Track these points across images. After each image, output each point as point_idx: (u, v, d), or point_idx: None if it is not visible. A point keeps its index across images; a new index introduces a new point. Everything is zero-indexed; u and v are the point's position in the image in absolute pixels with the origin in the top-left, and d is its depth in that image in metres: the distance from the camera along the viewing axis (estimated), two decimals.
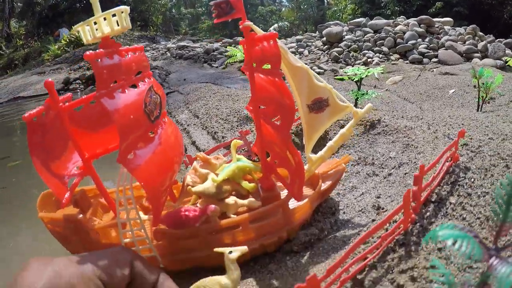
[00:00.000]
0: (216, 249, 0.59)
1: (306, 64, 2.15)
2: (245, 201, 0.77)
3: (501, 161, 0.87)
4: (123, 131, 0.59)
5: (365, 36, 3.51)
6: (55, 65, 5.55)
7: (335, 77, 2.21)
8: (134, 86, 0.71)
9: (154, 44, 6.30)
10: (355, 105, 1.79)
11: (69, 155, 0.76)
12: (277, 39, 0.64)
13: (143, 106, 0.68)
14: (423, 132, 1.14)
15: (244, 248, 0.59)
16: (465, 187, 0.81)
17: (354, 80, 1.77)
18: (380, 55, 3.31)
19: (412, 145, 1.11)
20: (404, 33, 3.48)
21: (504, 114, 1.42)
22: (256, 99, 0.73)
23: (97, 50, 0.60)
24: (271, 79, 0.68)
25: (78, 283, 0.45)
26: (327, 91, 0.77)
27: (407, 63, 3.22)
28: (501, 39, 3.44)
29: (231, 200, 0.76)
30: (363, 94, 1.72)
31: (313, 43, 3.76)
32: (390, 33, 3.46)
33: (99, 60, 0.59)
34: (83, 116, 0.77)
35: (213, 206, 0.71)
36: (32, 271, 0.44)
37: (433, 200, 0.79)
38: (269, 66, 0.66)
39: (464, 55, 3.22)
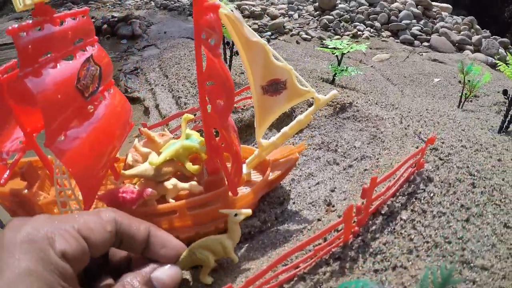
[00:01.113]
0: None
1: (293, 28, 1.99)
2: (186, 185, 0.71)
3: (469, 176, 0.76)
4: (47, 115, 0.53)
5: (359, 8, 3.32)
6: None
7: (319, 46, 2.05)
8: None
9: None
10: (332, 81, 1.65)
11: (8, 132, 0.69)
12: (226, 10, 0.56)
13: (75, 81, 0.60)
14: (393, 126, 1.01)
15: (249, 211, 0.60)
16: (422, 201, 0.70)
17: (335, 54, 1.62)
18: (371, 30, 3.15)
19: (380, 138, 1.00)
20: (400, 11, 3.31)
21: (484, 118, 1.31)
22: (205, 74, 0.62)
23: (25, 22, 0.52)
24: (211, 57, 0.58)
25: (56, 235, 0.44)
26: (286, 72, 0.68)
27: (397, 42, 3.07)
28: (496, 37, 3.30)
29: (171, 183, 0.70)
30: (342, 70, 1.58)
31: (305, 7, 3.54)
32: (385, 8, 3.28)
33: (25, 33, 0.51)
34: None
35: (149, 190, 0.66)
36: (12, 227, 0.43)
37: (383, 212, 0.68)
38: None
39: (456, 44, 3.09)
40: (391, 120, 1.05)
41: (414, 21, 3.26)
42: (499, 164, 0.85)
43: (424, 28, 3.20)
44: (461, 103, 1.57)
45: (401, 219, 0.67)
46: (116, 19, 3.54)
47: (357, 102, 1.19)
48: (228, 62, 1.58)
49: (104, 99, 0.71)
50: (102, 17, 3.65)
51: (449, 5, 3.75)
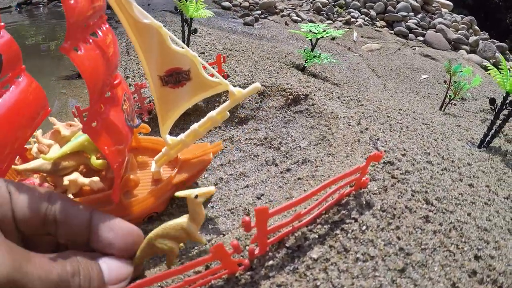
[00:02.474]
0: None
1: (285, 9, 1.75)
2: (86, 181, 0.59)
3: (424, 206, 0.55)
4: None
5: None
6: None
7: (289, 30, 1.80)
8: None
9: None
10: (303, 70, 1.41)
11: None
12: None
13: None
14: (347, 127, 0.79)
15: (211, 189, 0.46)
16: (348, 235, 0.49)
17: (309, 38, 1.39)
18: (366, 18, 2.90)
19: (328, 140, 0.78)
20: (398, 2, 3.05)
21: (466, 125, 1.09)
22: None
23: None
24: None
25: None
26: (189, 61, 0.54)
27: (391, 33, 2.83)
28: (494, 40, 3.06)
29: (71, 178, 0.59)
30: (314, 57, 1.34)
31: None
32: None
33: None
34: None
35: (46, 184, 0.60)
36: None
37: (287, 245, 0.46)
38: None
39: (452, 43, 2.85)
40: (347, 120, 0.83)
41: (411, 13, 3.01)
42: (469, 191, 0.64)
43: (421, 22, 2.95)
44: (444, 106, 1.35)
45: (310, 257, 0.46)
46: None
47: (314, 95, 0.97)
48: (186, 41, 1.34)
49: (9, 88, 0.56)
50: None
51: (450, 2, 3.49)
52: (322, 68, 1.67)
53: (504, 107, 0.89)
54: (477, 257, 0.49)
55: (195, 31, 1.30)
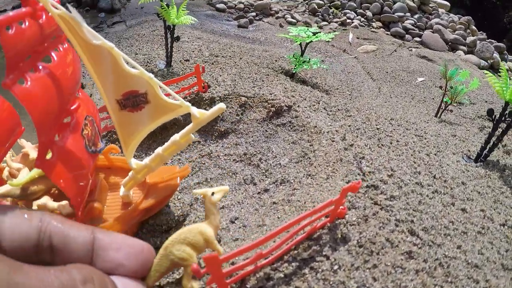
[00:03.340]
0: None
1: (280, 10, 1.68)
2: (55, 205, 0.54)
3: (409, 238, 0.48)
4: None
5: None
6: None
7: (278, 34, 1.73)
8: None
9: None
10: (292, 76, 1.33)
11: None
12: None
13: None
14: (331, 143, 0.72)
15: (226, 188, 0.44)
16: (317, 276, 0.43)
17: (297, 43, 1.31)
18: (362, 19, 2.82)
19: (309, 158, 0.70)
20: (395, 2, 2.97)
21: (462, 135, 1.01)
22: None
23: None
24: None
25: None
26: (145, 83, 0.49)
27: (387, 34, 2.75)
28: (492, 40, 2.98)
29: (40, 202, 0.55)
30: (304, 62, 1.27)
31: None
32: None
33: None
34: None
35: None
36: None
37: (248, 286, 0.39)
38: None
39: (450, 43, 2.77)
40: (331, 135, 0.75)
41: (408, 14, 2.93)
42: (461, 218, 0.56)
43: (418, 23, 2.87)
44: (440, 112, 1.27)
45: None
46: None
47: (298, 106, 0.89)
48: (169, 48, 1.27)
49: None
50: None
51: (447, 2, 3.40)
52: (314, 72, 1.59)
53: (503, 118, 0.82)
54: None
55: (178, 38, 1.23)
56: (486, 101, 1.59)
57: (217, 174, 0.78)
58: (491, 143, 0.83)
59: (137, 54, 1.50)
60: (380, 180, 0.59)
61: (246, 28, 2.62)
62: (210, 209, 0.43)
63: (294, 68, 1.28)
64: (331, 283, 0.41)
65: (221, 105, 0.48)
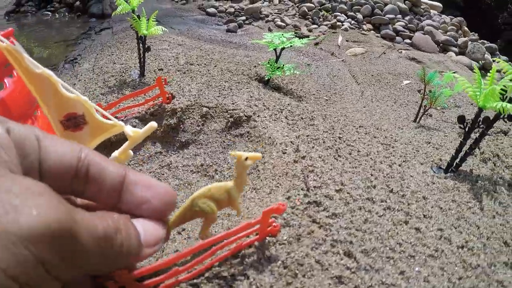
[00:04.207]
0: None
1: (270, 14, 1.64)
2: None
3: (343, 261, 0.44)
4: None
5: None
6: None
7: (252, 41, 1.67)
8: None
9: None
10: (266, 83, 1.28)
11: None
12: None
13: None
14: (281, 155, 0.67)
15: (259, 156, 0.45)
16: None
17: (271, 49, 1.25)
18: (352, 22, 2.76)
19: (258, 171, 0.65)
20: (386, 4, 2.90)
21: (439, 141, 0.94)
22: None
23: None
24: None
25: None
26: (82, 106, 0.54)
27: (377, 36, 2.69)
28: (484, 41, 2.91)
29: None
30: (277, 68, 1.21)
31: None
32: (370, 0, 2.88)
33: None
34: None
35: None
36: None
37: None
38: None
39: (441, 45, 2.70)
40: (283, 147, 0.69)
41: (399, 16, 2.86)
42: (412, 238, 0.50)
43: (409, 25, 2.80)
44: (418, 117, 1.21)
45: None
46: None
47: (258, 116, 0.83)
48: (142, 59, 1.22)
49: None
50: None
51: (439, 4, 3.33)
52: (294, 77, 1.54)
53: (476, 126, 0.76)
54: None
55: (148, 49, 1.18)
56: (471, 104, 1.52)
57: (174, 185, 0.74)
58: (463, 152, 0.77)
59: (115, 63, 1.45)
60: (325, 196, 0.53)
61: (235, 32, 2.57)
62: (241, 172, 0.44)
63: (267, 75, 1.23)
64: None
65: (152, 124, 0.49)
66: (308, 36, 2.51)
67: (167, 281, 0.39)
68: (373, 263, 0.44)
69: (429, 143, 0.94)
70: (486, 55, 2.74)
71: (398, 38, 2.68)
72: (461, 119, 0.77)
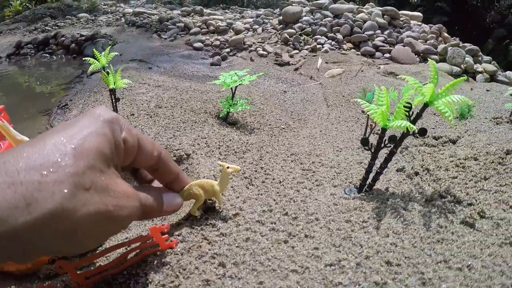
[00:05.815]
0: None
1: (253, 44, 1.79)
2: None
3: (215, 270, 0.54)
4: None
5: (323, 20, 3.04)
6: (13, 24, 4.91)
7: (210, 82, 1.80)
8: None
9: (116, 7, 5.39)
10: (225, 119, 1.41)
11: None
12: None
13: None
14: None
15: (238, 168, 0.66)
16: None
17: (223, 88, 1.38)
18: (333, 43, 2.87)
19: None
20: (365, 22, 3.02)
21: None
22: None
23: None
24: None
25: (125, 129, 0.49)
26: None
27: (357, 54, 2.79)
28: (466, 44, 2.98)
29: None
30: (230, 106, 1.34)
31: (270, 20, 3.29)
32: (349, 20, 3.00)
33: None
34: None
35: None
36: (101, 108, 0.48)
37: None
38: None
39: (421, 54, 2.79)
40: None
41: (378, 31, 2.97)
42: (284, 255, 0.60)
43: (388, 39, 2.90)
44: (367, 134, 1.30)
45: None
46: (83, 38, 3.40)
47: (196, 153, 0.96)
48: (114, 108, 1.37)
49: None
50: (71, 35, 3.51)
51: (419, 14, 3.43)
52: (260, 109, 1.65)
53: (382, 146, 0.83)
54: None
55: (118, 100, 1.33)
56: (434, 113, 1.57)
57: None
58: (375, 172, 0.85)
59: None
60: (221, 219, 0.66)
61: (219, 65, 2.72)
62: (223, 176, 0.65)
63: (221, 113, 1.37)
64: None
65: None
66: (288, 63, 2.64)
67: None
68: (238, 273, 0.54)
69: (361, 163, 1.02)
70: (467, 58, 2.80)
71: (377, 54, 2.78)
72: (364, 142, 0.83)
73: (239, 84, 1.33)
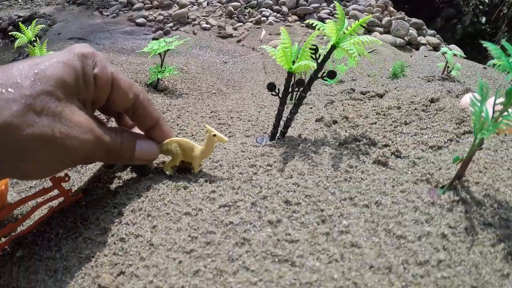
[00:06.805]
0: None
1: (197, 17, 1.69)
2: None
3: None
4: None
5: None
6: None
7: (138, 51, 1.73)
8: None
9: None
10: (155, 87, 1.34)
11: None
12: None
13: None
14: None
15: (225, 139, 0.59)
16: None
17: (150, 56, 1.31)
18: (278, 15, 2.82)
19: None
20: None
21: (297, 115, 0.99)
22: None
23: None
24: None
25: (99, 65, 0.48)
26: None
27: (302, 26, 2.76)
28: (411, 18, 3.01)
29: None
30: (159, 72, 1.28)
31: None
32: None
33: None
34: None
35: None
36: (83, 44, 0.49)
37: None
38: None
39: (366, 26, 2.78)
40: None
41: (324, 4, 2.95)
42: (180, 200, 0.55)
43: (334, 11, 2.89)
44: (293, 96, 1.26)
45: None
46: (21, 19, 3.19)
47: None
48: None
49: None
50: (8, 17, 3.29)
51: None
52: (193, 76, 1.59)
53: (290, 91, 0.78)
54: None
55: None
56: (368, 75, 1.57)
57: None
58: (285, 119, 0.81)
59: None
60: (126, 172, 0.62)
61: None
62: (207, 144, 0.59)
63: (149, 80, 1.30)
64: None
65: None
66: (231, 36, 2.58)
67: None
68: (134, 219, 0.51)
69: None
70: (411, 31, 2.83)
71: None
72: (270, 87, 0.77)
73: (167, 50, 1.26)
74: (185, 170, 0.64)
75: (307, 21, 0.82)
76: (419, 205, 0.54)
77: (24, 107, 0.38)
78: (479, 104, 0.49)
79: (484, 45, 0.47)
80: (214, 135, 0.58)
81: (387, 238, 0.48)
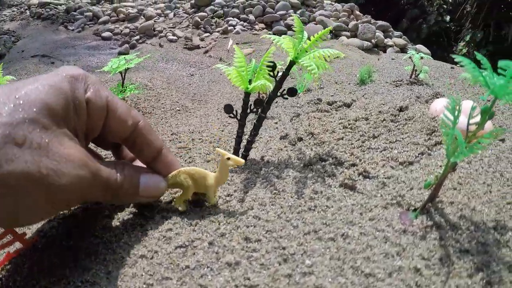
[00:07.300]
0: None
1: (164, 29, 1.61)
2: None
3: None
4: None
5: (236, 2, 2.94)
6: None
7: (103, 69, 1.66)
8: None
9: None
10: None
11: None
12: None
13: None
14: None
15: (241, 161, 0.52)
16: None
17: (111, 74, 1.25)
18: (245, 24, 2.78)
19: None
20: (278, 2, 2.95)
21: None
22: None
23: None
24: None
25: (92, 89, 0.43)
26: None
27: (269, 33, 2.72)
28: (377, 21, 3.01)
29: None
30: (120, 92, 1.21)
31: (183, 5, 3.14)
32: (261, 0, 2.92)
33: None
34: None
35: None
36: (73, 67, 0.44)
37: None
38: None
39: (333, 32, 2.77)
40: None
41: (291, 11, 2.92)
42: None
43: (301, 17, 2.86)
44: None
45: None
46: None
47: None
48: None
49: None
50: None
51: None
52: (158, 93, 1.52)
53: (249, 112, 0.74)
54: None
55: None
56: (336, 82, 1.52)
57: None
58: (245, 141, 0.76)
59: None
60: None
61: (127, 54, 2.54)
62: (221, 168, 0.52)
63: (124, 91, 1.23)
64: None
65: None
66: (198, 46, 2.52)
67: None
68: (89, 263, 0.45)
69: (246, 135, 0.93)
70: (377, 33, 2.83)
71: (290, 32, 2.73)
72: (228, 109, 0.72)
73: (127, 68, 1.20)
74: (150, 207, 0.58)
75: (263, 35, 0.78)
76: (389, 235, 0.49)
77: (1, 138, 0.32)
78: (451, 125, 0.45)
79: (456, 60, 0.43)
80: (228, 158, 0.52)
81: (354, 277, 0.44)
